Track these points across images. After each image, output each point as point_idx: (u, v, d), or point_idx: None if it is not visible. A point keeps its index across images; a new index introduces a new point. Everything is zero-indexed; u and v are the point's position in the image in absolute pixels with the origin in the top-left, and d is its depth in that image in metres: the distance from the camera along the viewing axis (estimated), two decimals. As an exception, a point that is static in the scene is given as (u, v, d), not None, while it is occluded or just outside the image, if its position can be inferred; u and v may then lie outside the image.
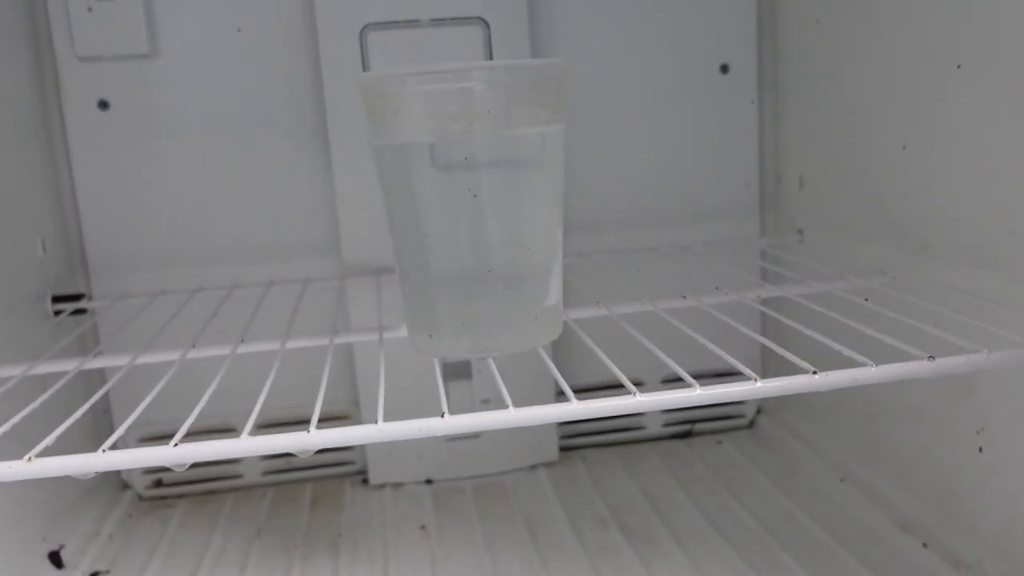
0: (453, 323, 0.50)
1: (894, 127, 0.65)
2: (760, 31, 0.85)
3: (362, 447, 0.86)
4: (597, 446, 0.91)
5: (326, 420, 0.87)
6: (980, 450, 0.59)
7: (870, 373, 0.43)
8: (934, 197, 0.61)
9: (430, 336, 0.51)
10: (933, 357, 0.44)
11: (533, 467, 0.87)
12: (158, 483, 0.85)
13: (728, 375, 0.48)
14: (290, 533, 0.77)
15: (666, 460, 0.88)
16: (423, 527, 0.77)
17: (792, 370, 0.45)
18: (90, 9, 0.75)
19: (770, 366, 0.90)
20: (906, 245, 0.65)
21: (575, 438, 0.91)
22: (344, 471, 0.88)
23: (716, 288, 0.65)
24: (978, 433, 0.58)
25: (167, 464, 0.40)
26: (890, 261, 0.67)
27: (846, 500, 0.74)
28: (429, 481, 0.86)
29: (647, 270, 0.75)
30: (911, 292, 0.59)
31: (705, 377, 0.45)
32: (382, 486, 0.85)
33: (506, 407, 0.42)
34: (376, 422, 0.41)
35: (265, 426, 0.86)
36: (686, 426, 0.93)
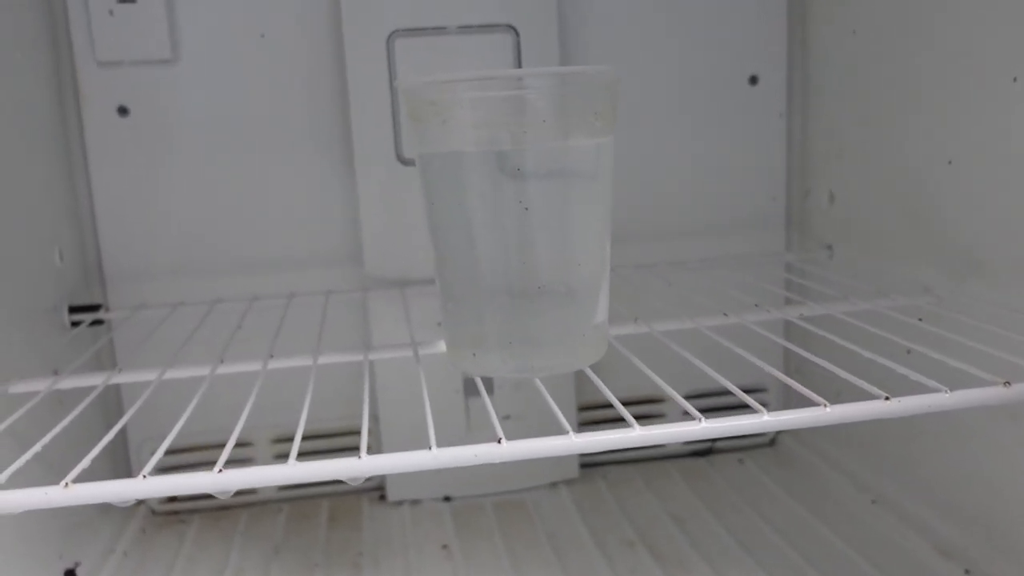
0: (499, 341, 0.48)
1: (939, 141, 0.64)
2: (790, 42, 0.84)
3: (381, 463, 0.84)
4: (617, 463, 0.89)
5: (343, 435, 0.86)
6: (1030, 474, 0.57)
7: (943, 400, 0.41)
8: (985, 213, 0.60)
9: (473, 354, 0.49)
10: (1009, 383, 0.42)
11: (553, 484, 0.86)
12: (172, 498, 0.83)
13: (755, 391, 0.46)
14: (309, 551, 0.75)
15: (688, 478, 0.86)
16: (445, 547, 0.75)
17: (851, 393, 0.43)
18: (111, 12, 0.73)
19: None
20: (951, 263, 0.63)
21: (595, 455, 0.89)
22: (361, 487, 0.86)
23: (756, 305, 0.63)
24: (1028, 457, 0.57)
25: (211, 491, 0.38)
26: (933, 279, 0.65)
27: (879, 523, 0.73)
28: (448, 498, 0.84)
29: (677, 285, 0.74)
30: (961, 311, 0.58)
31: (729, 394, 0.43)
32: (400, 503, 0.83)
33: (530, 429, 0.40)
34: (430, 447, 0.39)
35: (281, 440, 0.84)
36: (706, 444, 0.92)
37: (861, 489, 0.78)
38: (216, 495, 0.38)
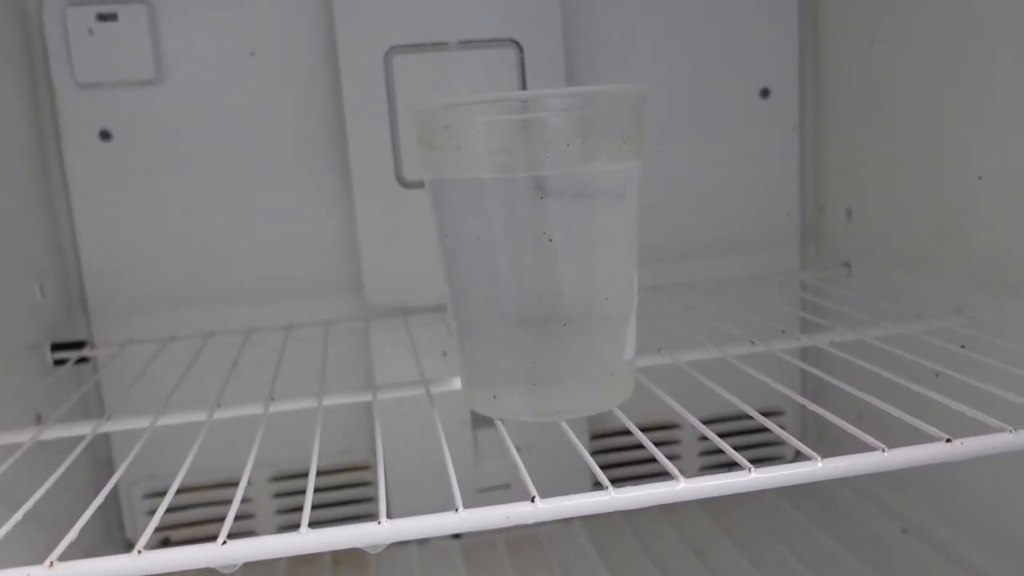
0: (521, 382, 0.44)
1: (968, 156, 0.61)
2: (802, 54, 0.81)
3: (386, 498, 0.80)
4: (632, 493, 0.86)
5: (345, 471, 0.82)
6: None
7: (1009, 440, 0.38)
8: (1018, 230, 0.57)
9: (494, 396, 0.45)
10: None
11: (568, 519, 0.82)
12: (165, 542, 0.78)
13: (772, 414, 0.43)
14: (312, 599, 0.71)
15: (707, 508, 0.82)
16: (456, 588, 0.71)
17: (874, 417, 0.40)
18: (91, 32, 0.69)
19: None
20: (983, 282, 0.60)
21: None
22: (364, 525, 0.82)
23: (783, 331, 0.60)
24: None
25: (215, 566, 0.34)
26: (962, 299, 0.62)
27: (911, 552, 0.69)
28: (457, 536, 0.80)
29: (693, 308, 0.70)
30: (999, 335, 0.54)
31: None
32: (407, 543, 0.79)
33: (543, 460, 0.36)
34: (456, 509, 0.35)
35: (279, 479, 0.80)
36: (724, 470, 0.88)
37: (890, 516, 0.74)
38: (220, 570, 0.34)
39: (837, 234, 0.80)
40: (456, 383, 0.52)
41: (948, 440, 0.38)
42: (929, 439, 0.39)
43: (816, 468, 0.38)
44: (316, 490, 0.80)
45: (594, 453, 0.83)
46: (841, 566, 0.69)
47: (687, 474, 0.87)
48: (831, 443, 0.84)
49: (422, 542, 0.79)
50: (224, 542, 0.34)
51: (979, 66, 0.59)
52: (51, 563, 0.32)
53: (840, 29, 0.76)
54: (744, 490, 0.38)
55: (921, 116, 0.66)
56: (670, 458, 0.87)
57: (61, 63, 0.70)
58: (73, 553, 0.36)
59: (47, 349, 0.67)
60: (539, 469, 0.79)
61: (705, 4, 0.78)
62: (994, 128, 0.58)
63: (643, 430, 0.44)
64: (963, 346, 0.53)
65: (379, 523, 0.35)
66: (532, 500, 0.36)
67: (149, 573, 0.33)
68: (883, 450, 0.38)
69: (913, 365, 0.51)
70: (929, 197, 0.66)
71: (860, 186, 0.76)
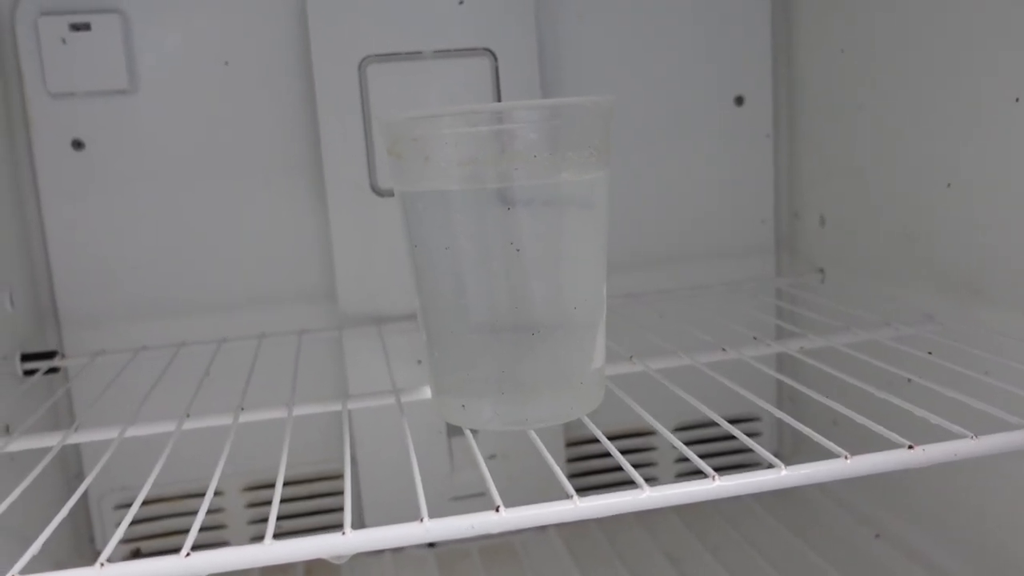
0: (490, 391, 0.44)
1: (937, 163, 0.62)
2: (775, 61, 0.81)
3: (359, 507, 0.80)
4: (608, 500, 0.86)
5: (319, 480, 0.81)
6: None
7: (970, 446, 0.39)
8: (986, 237, 0.58)
9: (463, 406, 0.45)
10: (1042, 428, 0.39)
11: (543, 527, 0.82)
12: (136, 552, 0.78)
13: (747, 420, 0.43)
14: (286, 609, 0.70)
15: (682, 514, 0.82)
16: (431, 598, 0.71)
17: (847, 425, 0.40)
18: (64, 41, 0.69)
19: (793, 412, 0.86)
20: (952, 289, 0.61)
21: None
22: (339, 534, 0.81)
23: (754, 338, 0.60)
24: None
25: (178, 578, 0.33)
26: (933, 305, 0.63)
27: (884, 558, 0.70)
28: (432, 544, 0.79)
29: (667, 315, 0.71)
30: (967, 342, 0.55)
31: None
32: (381, 552, 0.79)
33: (516, 468, 0.37)
34: (421, 520, 0.35)
35: (253, 488, 0.79)
36: (700, 478, 0.88)
37: (863, 522, 0.75)
38: (183, 581, 0.33)
39: (811, 241, 0.81)
40: (428, 392, 0.52)
41: (910, 447, 0.39)
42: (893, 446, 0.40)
43: (779, 476, 0.38)
44: (292, 499, 0.80)
45: (570, 461, 0.84)
46: (814, 572, 0.70)
47: (662, 481, 0.87)
48: (808, 450, 0.85)
49: (396, 551, 0.78)
50: (188, 554, 0.33)
51: (948, 75, 0.60)
52: (12, 577, 0.32)
53: (813, 37, 0.77)
54: (708, 498, 0.38)
55: (892, 124, 0.67)
56: (646, 465, 0.88)
57: (33, 72, 0.70)
58: (42, 565, 0.35)
59: (17, 360, 0.66)
60: (516, 477, 0.79)
61: (679, 13, 0.79)
62: (962, 136, 0.59)
63: (619, 437, 0.44)
64: (930, 352, 0.53)
65: (343, 534, 0.35)
66: (496, 510, 0.36)
67: (111, 586, 0.33)
68: (846, 457, 0.38)
69: (882, 372, 0.52)
70: (900, 203, 0.67)
71: (833, 193, 0.76)
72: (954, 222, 0.61)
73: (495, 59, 0.72)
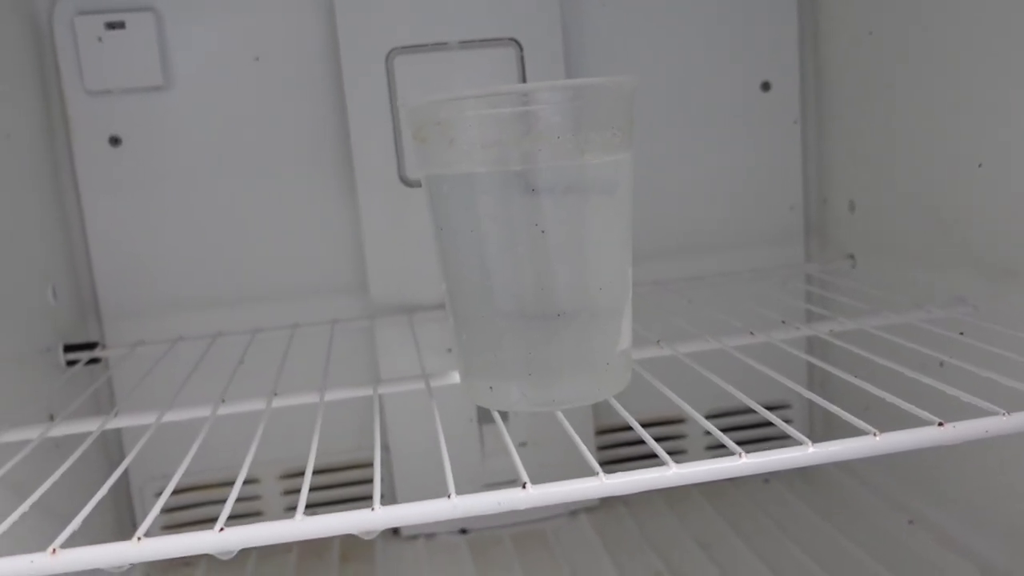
0: (517, 373, 0.45)
1: (968, 144, 0.61)
2: (802, 46, 0.81)
3: (392, 495, 0.80)
4: (639, 487, 0.86)
5: (353, 468, 0.82)
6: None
7: (1001, 423, 0.38)
8: (1020, 217, 0.57)
9: (490, 388, 0.46)
10: (1075, 404, 0.39)
11: (573, 512, 0.82)
12: (176, 541, 0.79)
13: (779, 407, 0.43)
14: (322, 594, 0.71)
15: (712, 501, 0.82)
16: (463, 583, 0.72)
17: (880, 408, 0.40)
18: (100, 39, 0.70)
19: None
20: (985, 271, 0.60)
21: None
22: (373, 522, 0.83)
23: (783, 322, 0.60)
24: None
25: (212, 552, 0.34)
26: (966, 288, 0.62)
27: (918, 545, 0.69)
28: (464, 531, 0.80)
29: (697, 301, 0.71)
30: (1001, 322, 0.54)
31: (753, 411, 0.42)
32: (415, 537, 0.80)
33: (548, 456, 0.37)
34: (448, 496, 0.36)
35: (289, 476, 0.81)
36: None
37: (896, 508, 0.74)
38: (218, 556, 0.34)
39: (840, 226, 0.80)
40: (457, 376, 0.53)
41: (940, 424, 0.38)
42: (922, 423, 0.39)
43: (807, 452, 0.38)
44: (326, 487, 0.81)
45: (600, 448, 0.84)
46: (847, 558, 0.69)
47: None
48: (839, 434, 0.84)
49: (429, 537, 0.79)
50: (221, 529, 0.34)
51: (978, 54, 0.59)
52: (54, 550, 0.33)
53: (839, 20, 0.77)
54: (734, 475, 0.38)
55: (920, 105, 0.66)
56: (677, 452, 0.88)
57: (71, 71, 0.71)
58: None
59: (60, 351, 0.68)
60: (547, 464, 0.79)
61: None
62: (993, 115, 0.58)
63: (650, 424, 0.44)
64: (962, 333, 0.53)
65: (372, 510, 0.35)
66: (524, 486, 0.36)
67: (148, 559, 0.34)
68: (874, 434, 0.38)
69: (914, 354, 0.51)
70: (930, 186, 0.66)
71: (862, 177, 0.76)
72: (986, 203, 0.60)
73: (520, 48, 0.72)
